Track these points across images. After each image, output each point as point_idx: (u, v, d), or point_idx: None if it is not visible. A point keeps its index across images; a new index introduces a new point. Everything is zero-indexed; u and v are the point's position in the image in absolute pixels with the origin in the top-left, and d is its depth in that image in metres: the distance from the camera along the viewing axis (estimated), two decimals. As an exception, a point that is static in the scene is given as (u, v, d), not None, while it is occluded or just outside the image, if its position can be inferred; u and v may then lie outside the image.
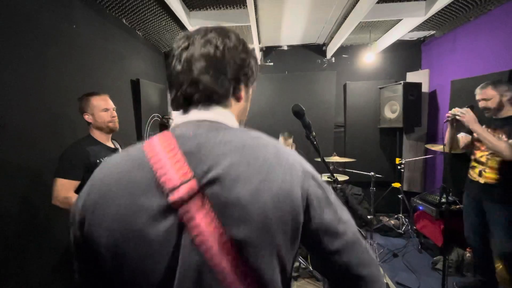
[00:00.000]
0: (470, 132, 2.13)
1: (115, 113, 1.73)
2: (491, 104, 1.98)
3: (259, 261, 0.47)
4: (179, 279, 0.46)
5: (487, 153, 2.04)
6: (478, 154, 2.12)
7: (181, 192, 0.46)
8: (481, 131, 1.95)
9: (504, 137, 1.93)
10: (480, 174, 2.09)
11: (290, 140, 3.35)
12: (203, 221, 0.46)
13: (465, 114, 1.98)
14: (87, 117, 1.66)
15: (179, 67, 0.56)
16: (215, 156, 0.49)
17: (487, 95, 1.99)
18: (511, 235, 1.96)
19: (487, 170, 2.04)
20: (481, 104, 2.04)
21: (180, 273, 0.46)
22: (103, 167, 0.55)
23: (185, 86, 0.56)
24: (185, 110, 0.58)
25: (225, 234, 0.46)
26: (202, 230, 0.46)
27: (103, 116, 1.66)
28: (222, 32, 0.59)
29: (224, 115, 0.58)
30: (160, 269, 0.47)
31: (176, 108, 0.59)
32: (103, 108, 1.67)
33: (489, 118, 2.09)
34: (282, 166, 0.51)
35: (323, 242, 0.53)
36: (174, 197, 0.46)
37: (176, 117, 0.59)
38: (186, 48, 0.56)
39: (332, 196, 0.56)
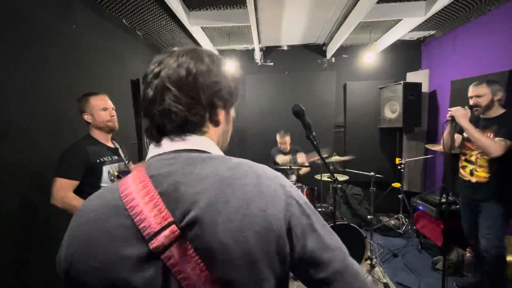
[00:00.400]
0: (461, 131, 2.15)
1: (114, 113, 1.72)
2: (482, 101, 2.01)
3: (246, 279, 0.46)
4: None
5: (476, 152, 2.06)
6: (468, 153, 2.14)
7: (161, 238, 0.45)
8: (469, 127, 1.97)
9: (492, 136, 1.96)
10: (471, 173, 2.11)
11: (287, 138, 3.37)
12: (188, 266, 0.45)
13: (458, 110, 2.00)
14: (87, 117, 1.66)
15: (150, 95, 0.54)
16: (192, 196, 0.47)
17: (480, 92, 2.02)
18: (493, 230, 1.99)
19: (477, 169, 2.06)
20: (472, 101, 2.06)
21: None
22: (81, 215, 0.52)
23: (157, 116, 0.53)
24: (158, 141, 0.55)
25: (211, 277, 0.45)
26: (188, 275, 0.45)
27: (102, 116, 1.66)
28: (195, 55, 0.56)
29: (201, 143, 0.55)
30: None
31: (150, 138, 0.56)
32: (102, 108, 1.67)
33: (477, 118, 2.12)
34: (263, 198, 0.49)
35: (308, 272, 0.50)
36: (154, 244, 0.45)
37: (151, 149, 0.56)
38: (158, 74, 0.53)
39: (317, 220, 0.52)
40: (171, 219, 0.46)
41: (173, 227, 0.45)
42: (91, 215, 0.50)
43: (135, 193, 0.48)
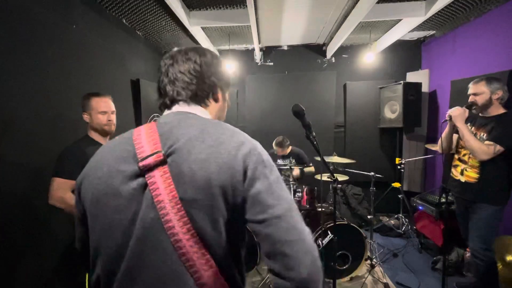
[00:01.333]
0: (457, 131, 2.14)
1: (112, 117, 1.71)
2: (480, 99, 1.97)
3: (202, 220, 0.58)
4: (137, 228, 0.60)
5: (469, 151, 2.04)
6: (462, 152, 2.13)
7: (149, 160, 0.60)
8: (463, 128, 1.95)
9: (484, 136, 1.95)
10: (462, 173, 2.10)
11: (285, 150, 3.31)
12: (162, 184, 0.59)
13: (454, 111, 1.99)
14: (85, 116, 1.66)
15: (166, 80, 0.73)
16: (178, 135, 0.64)
17: (478, 90, 1.98)
18: (483, 235, 1.98)
19: (468, 169, 2.05)
20: (470, 98, 2.03)
21: (139, 224, 0.60)
22: (103, 146, 0.73)
23: (171, 93, 0.72)
24: (170, 108, 0.74)
25: (176, 195, 0.58)
26: (160, 191, 0.58)
27: (99, 118, 1.65)
28: (199, 51, 0.75)
29: (200, 110, 0.74)
30: (126, 219, 0.61)
31: (164, 109, 0.76)
32: (101, 111, 1.66)
33: (475, 116, 2.09)
34: (231, 143, 0.62)
35: (252, 211, 0.60)
36: (143, 163, 0.61)
37: (164, 113, 0.75)
38: (172, 65, 0.73)
39: (274, 175, 0.63)
40: (159, 148, 0.62)
41: (160, 154, 0.61)
42: (110, 144, 0.71)
43: (143, 132, 0.67)
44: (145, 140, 0.64)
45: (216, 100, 0.78)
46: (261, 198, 0.59)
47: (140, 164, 0.61)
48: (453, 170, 2.21)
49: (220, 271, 0.60)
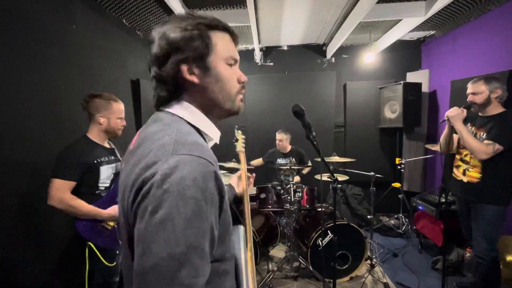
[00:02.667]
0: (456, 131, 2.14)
1: (124, 122, 1.78)
2: (478, 99, 1.98)
3: (124, 231, 0.59)
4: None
5: (470, 152, 2.04)
6: (464, 152, 2.13)
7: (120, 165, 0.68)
8: (461, 128, 1.96)
9: (484, 135, 1.95)
10: (464, 173, 2.10)
11: (283, 136, 3.36)
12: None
13: (451, 111, 1.99)
14: (101, 119, 1.66)
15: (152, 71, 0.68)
16: (135, 141, 0.64)
17: (476, 90, 1.98)
18: (487, 235, 1.97)
19: (470, 169, 2.05)
20: (469, 98, 2.03)
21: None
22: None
23: (154, 84, 0.67)
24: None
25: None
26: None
27: (117, 123, 1.71)
28: (164, 21, 0.63)
29: (176, 107, 0.64)
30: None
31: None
32: (120, 117, 1.72)
33: (475, 116, 2.10)
34: (146, 160, 0.52)
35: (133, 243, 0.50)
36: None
37: None
38: (150, 52, 0.65)
39: (160, 214, 0.46)
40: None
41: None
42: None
43: (136, 134, 0.68)
44: (134, 140, 0.68)
45: (190, 84, 0.62)
46: (136, 240, 0.48)
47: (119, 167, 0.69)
48: (455, 170, 2.21)
49: None
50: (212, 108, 0.66)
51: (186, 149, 0.52)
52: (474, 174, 2.03)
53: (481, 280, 2.07)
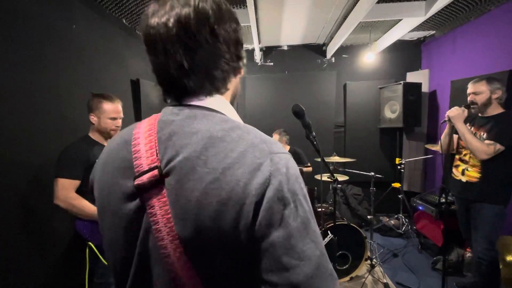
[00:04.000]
0: (457, 131, 2.14)
1: (120, 123, 1.73)
2: (479, 99, 1.98)
3: (200, 261, 0.46)
4: (137, 257, 0.50)
5: (469, 151, 2.04)
6: (463, 152, 2.13)
7: (144, 178, 0.48)
8: (462, 128, 1.96)
9: (484, 136, 1.95)
10: (463, 173, 2.10)
11: (281, 139, 3.35)
12: (159, 211, 0.47)
13: (452, 111, 1.99)
14: (92, 118, 1.66)
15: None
16: (178, 146, 0.48)
17: (477, 90, 1.99)
18: (486, 235, 1.97)
19: (469, 168, 2.05)
20: (470, 98, 2.04)
21: (138, 252, 0.50)
22: (107, 145, 0.61)
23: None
24: (190, 94, 0.56)
25: (174, 229, 0.46)
26: (158, 219, 0.47)
27: (108, 123, 1.67)
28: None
29: (219, 101, 0.55)
30: (126, 242, 0.51)
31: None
32: (111, 117, 1.67)
33: (475, 116, 2.10)
34: (241, 168, 0.44)
35: (261, 266, 0.44)
36: (137, 181, 0.48)
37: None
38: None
39: (300, 219, 0.44)
40: (157, 163, 0.48)
41: (156, 171, 0.47)
42: (111, 145, 0.59)
43: (142, 133, 0.53)
44: (143, 147, 0.51)
45: (235, 76, 0.59)
46: (274, 254, 0.43)
47: (135, 182, 0.49)
48: (454, 170, 2.21)
49: None
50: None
51: (276, 146, 0.49)
52: (473, 174, 2.03)
53: (480, 280, 2.07)
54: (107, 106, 1.66)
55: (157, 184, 0.47)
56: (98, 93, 1.68)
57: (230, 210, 0.43)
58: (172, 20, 0.49)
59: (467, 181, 2.06)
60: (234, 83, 0.59)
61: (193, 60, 0.50)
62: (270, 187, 0.43)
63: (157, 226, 0.46)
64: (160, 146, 0.50)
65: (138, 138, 0.53)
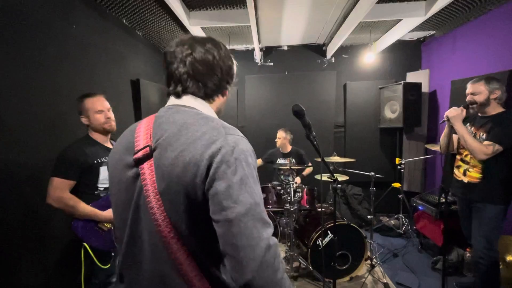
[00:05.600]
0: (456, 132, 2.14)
1: (110, 114, 1.70)
2: (478, 99, 1.97)
3: (174, 214, 0.64)
4: (132, 209, 0.71)
5: (469, 153, 2.03)
6: (464, 153, 2.12)
7: (139, 153, 0.69)
8: (461, 128, 1.95)
9: (484, 136, 1.95)
10: (464, 173, 2.10)
11: (282, 134, 3.36)
12: (148, 176, 0.67)
13: (451, 111, 1.99)
14: (83, 119, 1.66)
15: (183, 69, 0.73)
16: (163, 130, 0.69)
17: (476, 90, 1.98)
18: (487, 235, 1.97)
19: (470, 169, 2.05)
20: (469, 98, 2.03)
21: (133, 206, 0.70)
22: (122, 134, 0.81)
23: (186, 84, 0.74)
24: (179, 96, 0.76)
25: (156, 187, 0.65)
26: (147, 182, 0.66)
27: (98, 118, 1.65)
28: (216, 44, 0.78)
29: (203, 105, 0.76)
30: (125, 200, 0.72)
31: (174, 95, 0.77)
32: (97, 110, 1.65)
33: (474, 116, 2.09)
34: (202, 141, 0.64)
35: (211, 209, 0.61)
36: (136, 156, 0.69)
37: (170, 100, 0.78)
38: (190, 54, 0.73)
39: (239, 176, 0.61)
40: (150, 142, 0.69)
41: (147, 148, 0.68)
42: (123, 134, 0.81)
43: (143, 124, 0.75)
44: (142, 133, 0.72)
45: (223, 95, 0.81)
46: (217, 199, 0.60)
47: (134, 156, 0.69)
48: (455, 171, 2.21)
49: (196, 263, 0.65)
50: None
51: (233, 131, 0.68)
52: (474, 174, 2.02)
53: (480, 280, 2.06)
54: (89, 101, 1.65)
55: (148, 157, 0.68)
56: (80, 96, 1.68)
57: (191, 170, 0.62)
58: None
59: (468, 182, 2.06)
60: (219, 100, 0.81)
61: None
62: (219, 155, 0.62)
63: (146, 185, 0.66)
64: (153, 131, 0.71)
65: (140, 127, 0.75)
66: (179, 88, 0.74)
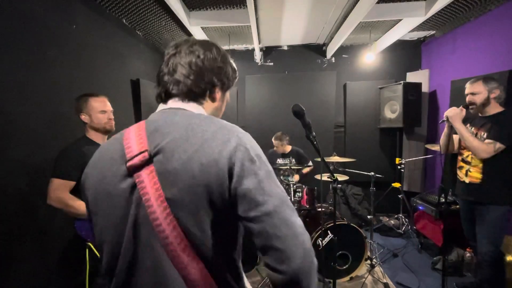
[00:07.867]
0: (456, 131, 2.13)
1: (111, 115, 1.74)
2: (477, 99, 1.97)
3: (187, 220, 0.59)
4: (128, 227, 0.62)
5: (471, 152, 2.03)
6: (465, 153, 2.12)
7: (135, 160, 0.62)
8: (461, 128, 1.95)
9: (485, 135, 1.94)
10: (466, 174, 2.09)
11: (282, 142, 3.34)
12: (149, 183, 0.60)
13: (451, 111, 1.98)
14: (84, 117, 1.66)
15: (166, 70, 0.71)
16: (164, 134, 0.64)
17: (475, 90, 1.98)
18: (491, 236, 1.96)
19: (471, 169, 2.04)
20: (468, 98, 2.03)
21: (130, 222, 0.62)
22: (100, 147, 0.73)
23: (169, 85, 0.71)
24: (165, 102, 0.73)
25: (163, 194, 0.59)
26: (147, 190, 0.60)
27: (100, 118, 1.68)
28: (206, 45, 0.74)
29: (194, 107, 0.72)
30: (118, 217, 0.64)
31: (159, 101, 0.74)
32: (101, 110, 1.68)
33: (474, 116, 2.09)
34: (216, 140, 0.61)
35: (242, 208, 0.59)
36: (130, 163, 0.62)
37: (159, 106, 0.74)
38: (174, 55, 0.71)
39: (264, 170, 0.61)
40: (146, 147, 0.63)
41: (145, 153, 0.62)
42: (103, 145, 0.73)
43: (132, 132, 0.68)
44: (133, 140, 0.65)
45: (213, 100, 0.76)
46: (250, 196, 0.58)
47: (128, 164, 0.62)
48: (458, 172, 2.20)
49: (210, 272, 0.61)
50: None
51: (240, 130, 0.66)
52: (475, 175, 2.02)
53: (485, 281, 2.05)
54: (94, 101, 1.67)
55: (146, 163, 0.61)
56: (82, 94, 1.69)
57: (210, 170, 0.58)
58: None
59: (470, 182, 2.05)
60: (209, 104, 0.76)
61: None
62: (238, 152, 0.60)
63: (147, 195, 0.60)
64: (148, 136, 0.65)
65: (128, 134, 0.68)
66: (162, 92, 0.72)
